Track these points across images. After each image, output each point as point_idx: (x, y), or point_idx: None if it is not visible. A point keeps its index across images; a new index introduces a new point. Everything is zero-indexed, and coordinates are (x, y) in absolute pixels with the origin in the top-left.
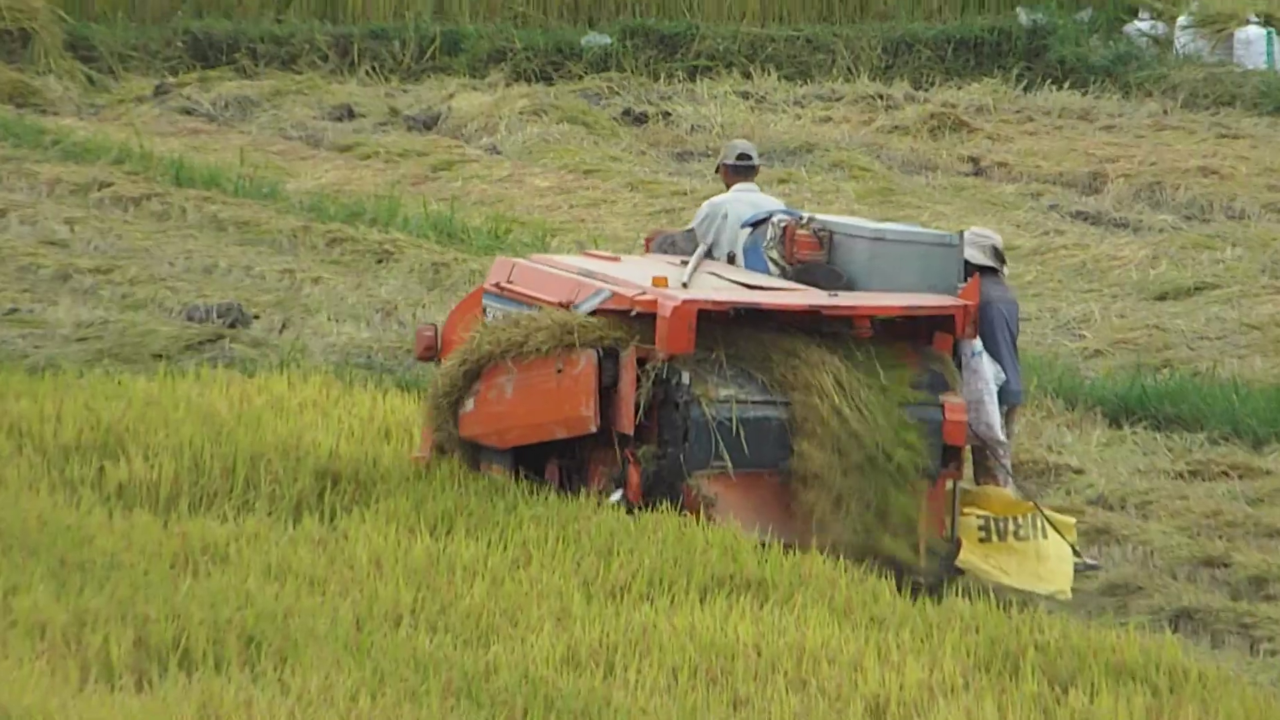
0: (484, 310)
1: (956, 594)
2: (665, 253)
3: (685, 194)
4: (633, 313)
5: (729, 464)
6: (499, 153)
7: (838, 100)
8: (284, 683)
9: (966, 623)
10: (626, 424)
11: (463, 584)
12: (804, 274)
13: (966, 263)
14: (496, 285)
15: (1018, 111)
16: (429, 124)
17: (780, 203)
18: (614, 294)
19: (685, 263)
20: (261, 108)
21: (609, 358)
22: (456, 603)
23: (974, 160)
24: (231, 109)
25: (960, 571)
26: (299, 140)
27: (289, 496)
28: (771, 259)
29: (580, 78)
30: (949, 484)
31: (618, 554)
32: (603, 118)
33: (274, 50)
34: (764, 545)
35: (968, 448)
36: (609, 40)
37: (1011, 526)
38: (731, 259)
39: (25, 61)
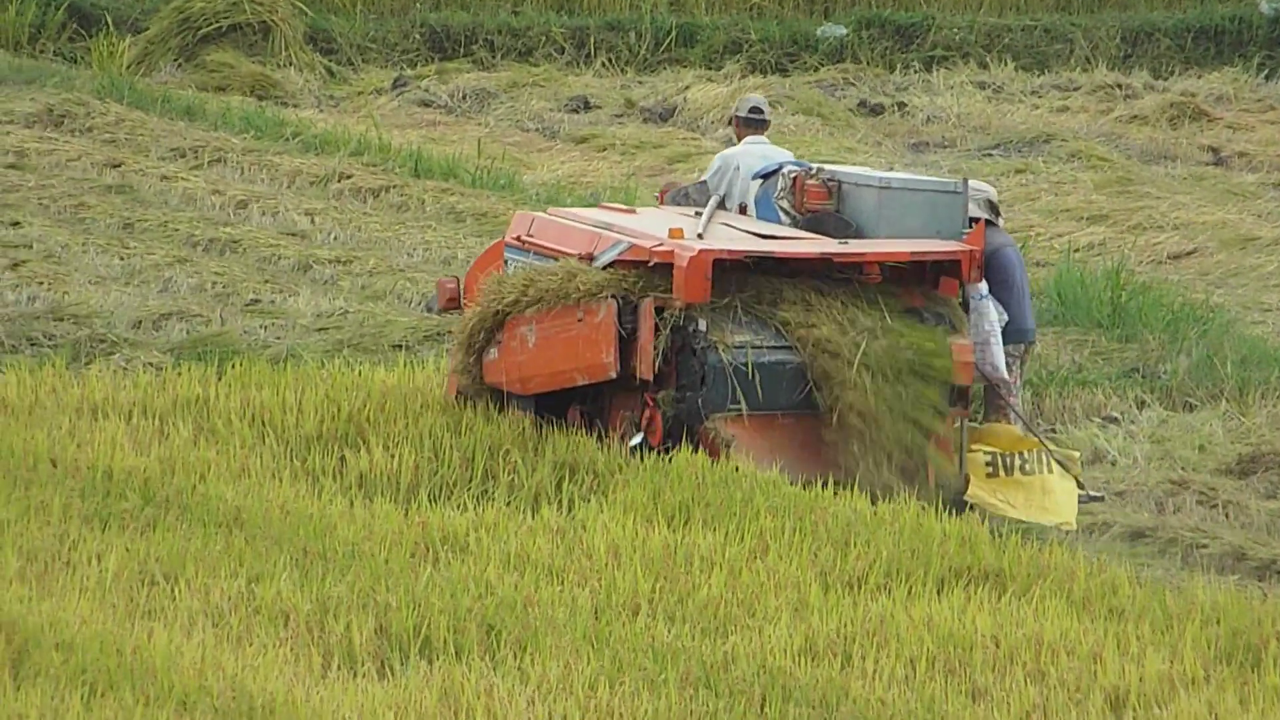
0: (505, 263)
1: (1197, 583)
2: (679, 205)
3: None
4: (650, 263)
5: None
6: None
7: (1075, 90)
8: (523, 671)
9: (1207, 614)
10: (647, 370)
11: (700, 574)
12: (814, 223)
13: None
14: (517, 238)
15: (1258, 100)
16: (665, 115)
17: (789, 154)
18: (632, 245)
19: (698, 214)
20: (498, 99)
21: (628, 306)
22: (694, 593)
23: (1214, 150)
24: (469, 101)
25: (970, 505)
26: (535, 132)
27: (528, 486)
28: (782, 209)
29: (816, 69)
30: (957, 421)
31: (855, 544)
32: (838, 109)
33: (511, 42)
34: (1001, 536)
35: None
36: (845, 31)
37: (1018, 461)
38: (743, 210)
39: (266, 54)
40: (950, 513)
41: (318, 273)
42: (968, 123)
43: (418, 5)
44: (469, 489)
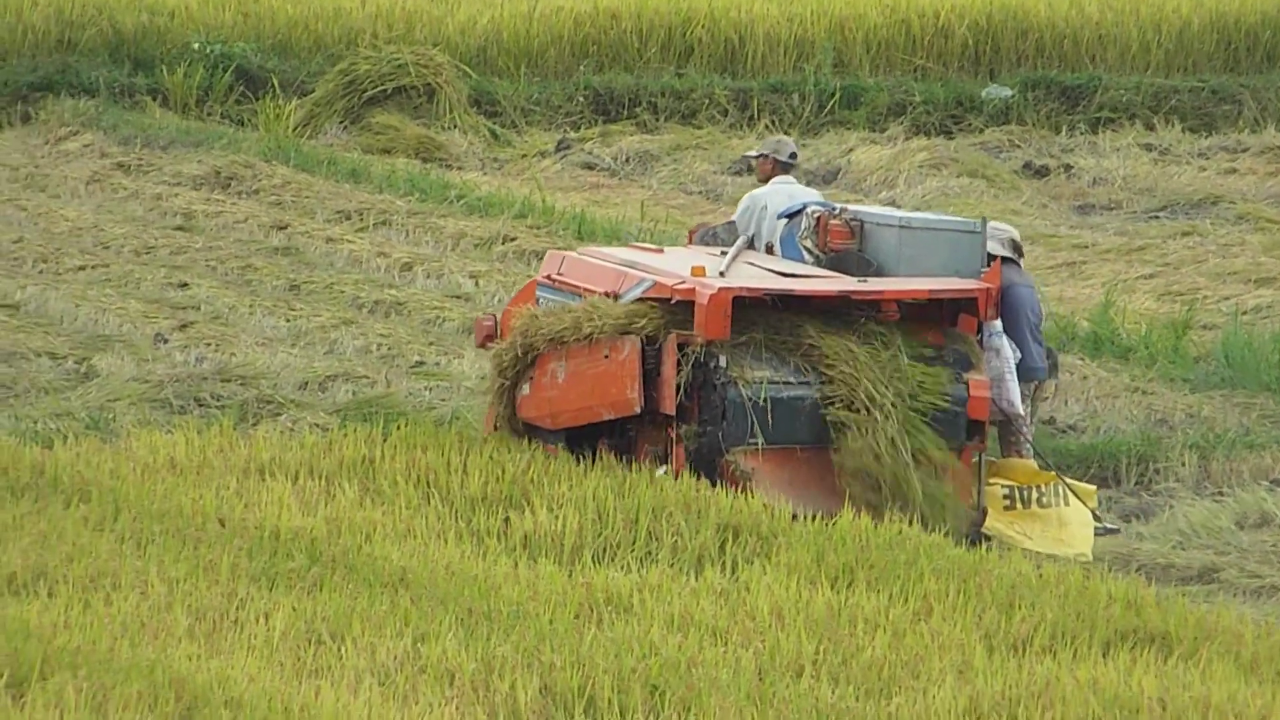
0: (537, 300)
1: None
2: (707, 244)
3: (1086, 247)
4: (673, 300)
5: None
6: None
7: (1243, 151)
8: None
9: None
10: (669, 405)
11: (864, 636)
12: (837, 262)
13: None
14: (548, 277)
15: None
16: (828, 178)
17: (816, 194)
18: (656, 283)
19: (724, 253)
20: (661, 162)
21: (652, 343)
22: (858, 654)
23: None
24: (632, 163)
25: (988, 538)
26: (698, 194)
27: (691, 548)
28: (806, 248)
29: (980, 130)
30: (975, 456)
31: (1019, 607)
32: (1003, 171)
33: (674, 104)
34: (1167, 598)
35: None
36: (1010, 93)
37: (1035, 494)
38: (770, 249)
39: (431, 117)
40: (1105, 571)
41: None
42: (1134, 185)
43: (581, 68)
44: (633, 550)
